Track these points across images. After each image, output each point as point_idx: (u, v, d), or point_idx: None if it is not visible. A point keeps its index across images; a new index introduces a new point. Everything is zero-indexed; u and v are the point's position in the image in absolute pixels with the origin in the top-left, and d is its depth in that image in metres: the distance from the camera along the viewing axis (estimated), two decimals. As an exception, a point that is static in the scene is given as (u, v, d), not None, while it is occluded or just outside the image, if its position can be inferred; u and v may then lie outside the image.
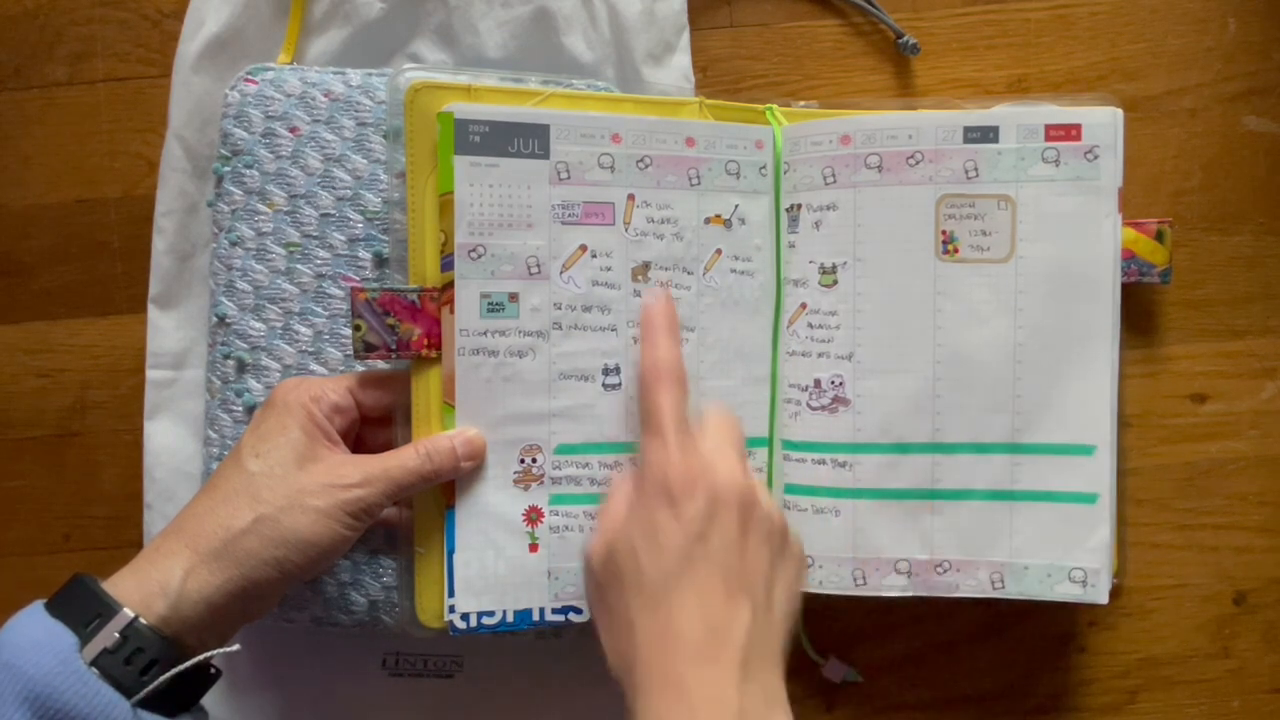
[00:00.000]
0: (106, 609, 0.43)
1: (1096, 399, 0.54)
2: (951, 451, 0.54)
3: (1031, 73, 0.60)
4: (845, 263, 0.55)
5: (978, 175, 0.54)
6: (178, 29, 0.58)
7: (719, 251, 0.54)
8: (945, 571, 0.55)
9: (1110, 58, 0.60)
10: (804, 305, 0.56)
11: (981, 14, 0.60)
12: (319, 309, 0.54)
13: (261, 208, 0.55)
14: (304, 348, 0.54)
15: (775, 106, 0.56)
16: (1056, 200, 0.54)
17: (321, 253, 0.55)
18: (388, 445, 0.50)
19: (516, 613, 0.51)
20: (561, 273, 0.51)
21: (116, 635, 0.42)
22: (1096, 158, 0.54)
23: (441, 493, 0.50)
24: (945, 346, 0.54)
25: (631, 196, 0.52)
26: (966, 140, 0.54)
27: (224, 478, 0.47)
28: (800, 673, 0.59)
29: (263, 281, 0.55)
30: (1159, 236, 0.57)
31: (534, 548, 0.51)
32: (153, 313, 0.58)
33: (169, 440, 0.58)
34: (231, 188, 0.55)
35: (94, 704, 0.41)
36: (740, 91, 0.60)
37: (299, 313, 0.54)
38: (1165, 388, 0.60)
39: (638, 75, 0.58)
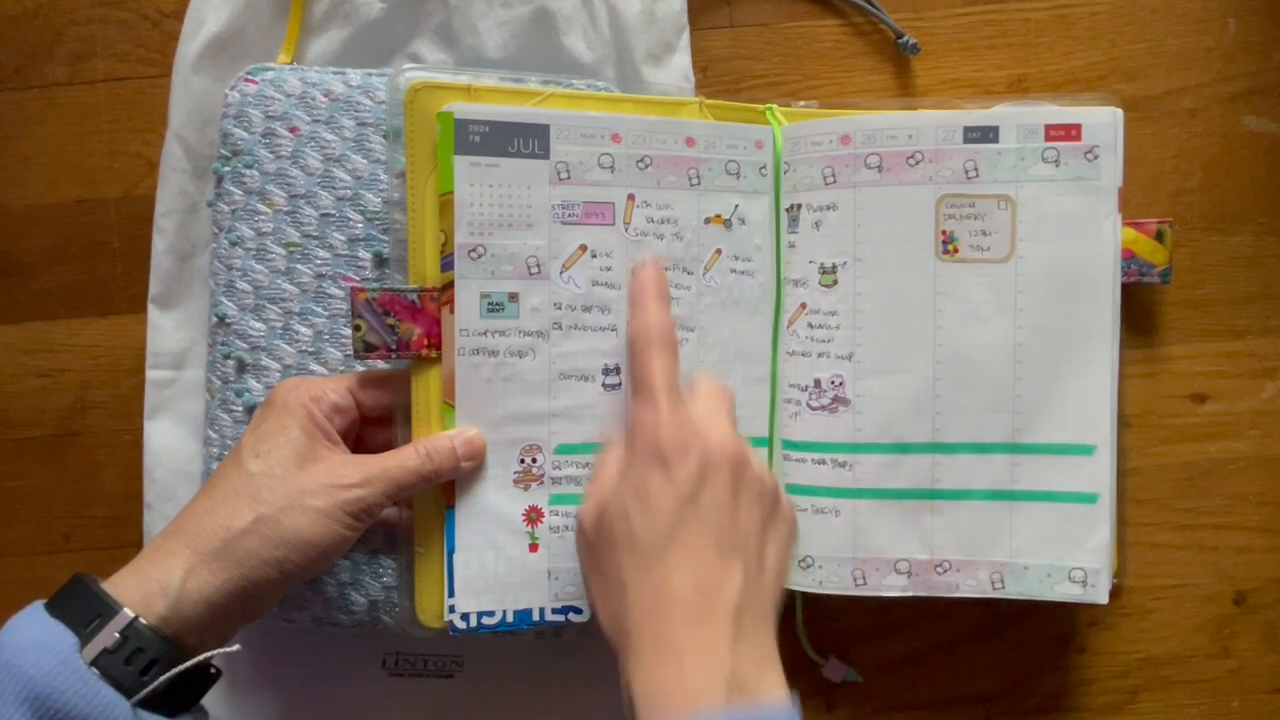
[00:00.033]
0: (106, 609, 0.43)
1: (1096, 399, 0.54)
2: (951, 451, 0.54)
3: (1031, 73, 0.60)
4: (845, 263, 0.55)
5: (978, 175, 0.54)
6: (178, 29, 0.58)
7: (719, 251, 0.54)
8: (945, 571, 0.55)
9: (1110, 58, 0.60)
10: (804, 305, 0.56)
11: (981, 14, 0.60)
12: (319, 309, 0.54)
13: (261, 208, 0.55)
14: (304, 348, 0.54)
15: (775, 106, 0.56)
16: (1056, 200, 0.54)
17: (321, 253, 0.55)
18: (388, 445, 0.50)
19: (516, 613, 0.51)
20: (561, 273, 0.51)
21: (116, 635, 0.42)
22: (1096, 158, 0.53)
23: (441, 493, 0.50)
24: (945, 346, 0.54)
25: (631, 196, 0.52)
26: (966, 140, 0.54)
27: (224, 478, 0.47)
28: (800, 673, 0.59)
29: (263, 281, 0.55)
30: (1159, 236, 0.57)
31: (534, 548, 0.51)
32: (153, 313, 0.58)
33: (169, 440, 0.58)
34: (231, 188, 0.55)
35: (94, 704, 0.41)
36: (740, 91, 0.60)
37: (299, 313, 0.54)
38: (1165, 388, 0.60)
39: (638, 75, 0.58)
